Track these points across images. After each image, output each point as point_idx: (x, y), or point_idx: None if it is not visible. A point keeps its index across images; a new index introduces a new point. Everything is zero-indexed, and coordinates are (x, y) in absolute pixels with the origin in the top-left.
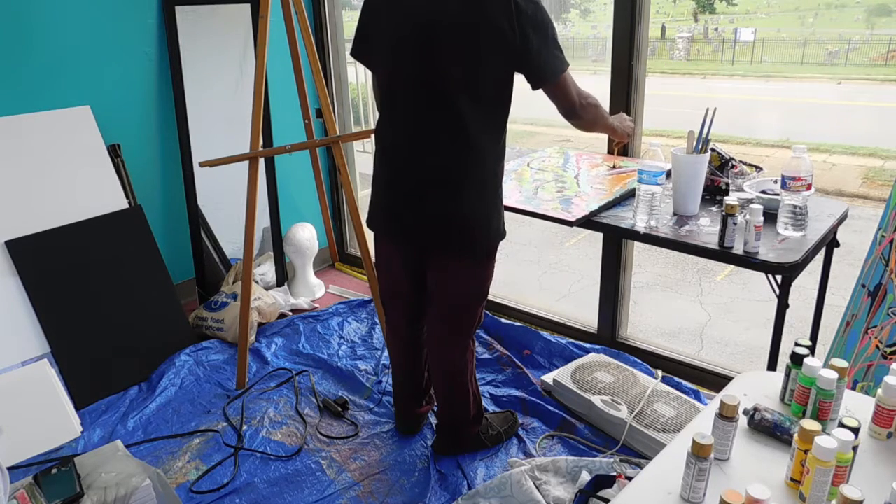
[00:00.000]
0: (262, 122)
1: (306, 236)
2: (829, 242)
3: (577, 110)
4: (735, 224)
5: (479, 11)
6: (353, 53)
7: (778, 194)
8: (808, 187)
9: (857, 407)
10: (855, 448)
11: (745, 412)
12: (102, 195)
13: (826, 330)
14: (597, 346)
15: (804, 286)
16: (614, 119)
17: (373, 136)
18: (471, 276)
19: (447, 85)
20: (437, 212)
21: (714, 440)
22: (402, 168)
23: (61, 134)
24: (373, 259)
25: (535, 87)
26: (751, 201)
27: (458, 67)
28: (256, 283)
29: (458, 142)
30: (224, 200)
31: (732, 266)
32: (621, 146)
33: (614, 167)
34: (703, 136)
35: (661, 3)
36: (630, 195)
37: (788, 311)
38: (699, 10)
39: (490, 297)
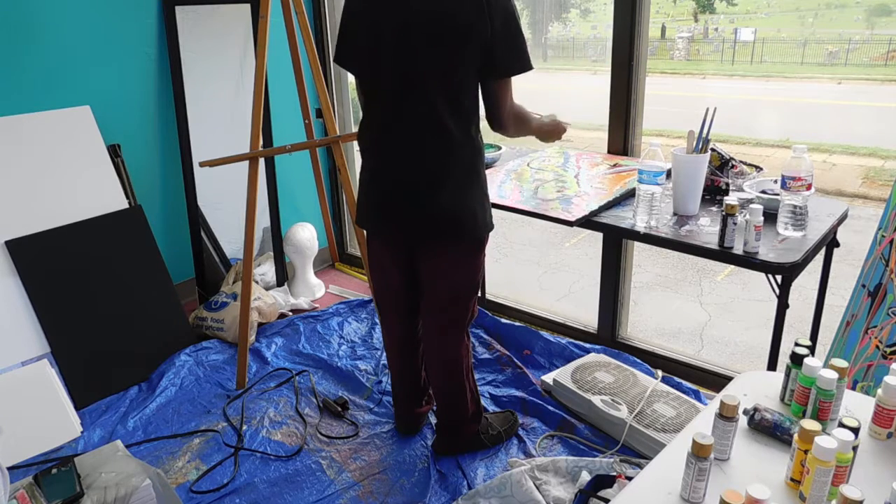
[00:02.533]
0: (262, 122)
1: (306, 236)
2: (829, 242)
3: (506, 116)
4: (735, 224)
5: (452, 8)
6: (335, 59)
7: (778, 194)
8: (808, 187)
9: (857, 407)
10: (855, 448)
11: (745, 412)
12: (102, 195)
13: (826, 330)
14: (597, 346)
15: (804, 286)
16: (542, 122)
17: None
18: (461, 269)
19: (425, 82)
20: (423, 207)
21: (714, 440)
22: (388, 166)
23: (61, 134)
24: None
25: (489, 77)
26: (751, 201)
27: (434, 64)
28: (256, 283)
29: (438, 138)
30: (224, 200)
31: (732, 266)
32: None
33: (614, 166)
34: (703, 136)
35: (661, 3)
36: (630, 195)
37: (788, 311)
38: (699, 10)
39: (490, 297)
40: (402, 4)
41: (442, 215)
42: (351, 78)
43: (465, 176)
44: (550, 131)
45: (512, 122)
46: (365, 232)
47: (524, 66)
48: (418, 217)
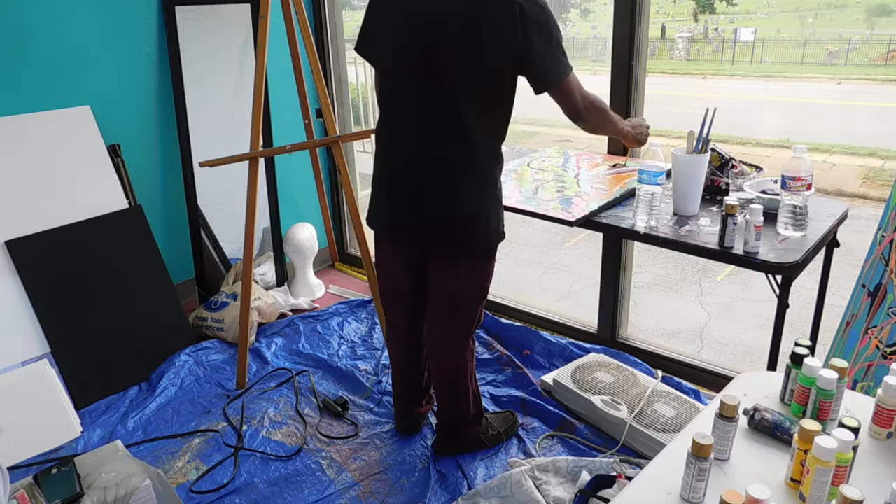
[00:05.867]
0: (262, 122)
1: (306, 236)
2: (829, 242)
3: (581, 114)
4: (735, 224)
5: (481, 13)
6: (357, 50)
7: (778, 194)
8: (808, 187)
9: (857, 407)
10: (855, 448)
11: (745, 412)
12: (102, 195)
13: (826, 330)
14: (597, 346)
15: (804, 286)
16: (627, 124)
17: (373, 135)
18: (470, 276)
19: (449, 86)
20: (436, 212)
21: (714, 440)
22: (403, 168)
23: (61, 134)
24: (373, 258)
25: (537, 92)
26: (751, 201)
27: (459, 69)
28: (256, 283)
29: (458, 143)
30: (224, 200)
31: (732, 266)
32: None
33: (614, 167)
34: (703, 136)
35: (661, 3)
36: (630, 195)
37: (788, 311)
38: (699, 10)
39: (490, 297)
40: (431, 6)
41: (455, 221)
42: (351, 78)
43: (482, 184)
44: (634, 132)
45: (590, 113)
46: (373, 232)
47: (560, 74)
48: (431, 222)
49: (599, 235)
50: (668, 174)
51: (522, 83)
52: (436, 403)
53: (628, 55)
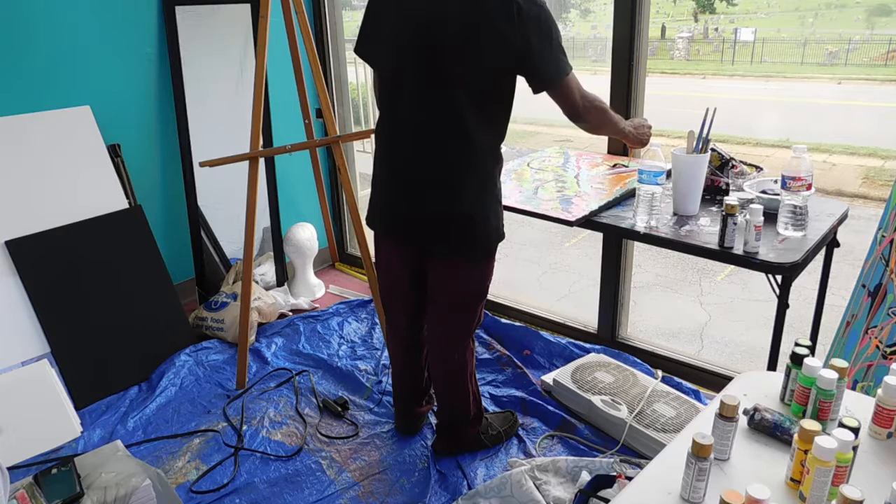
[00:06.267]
0: (262, 122)
1: (306, 236)
2: (830, 242)
3: (580, 114)
4: (735, 224)
5: (480, 13)
6: (356, 51)
7: (778, 194)
8: (808, 187)
9: (857, 407)
10: (855, 448)
11: (745, 412)
12: (102, 195)
13: (826, 330)
14: (597, 346)
15: (804, 286)
16: (628, 124)
17: (373, 135)
18: (470, 276)
19: (448, 86)
20: (436, 211)
21: (714, 440)
22: (403, 167)
23: (61, 134)
24: (373, 258)
25: (536, 91)
26: (751, 201)
27: (458, 69)
28: (256, 283)
29: (458, 142)
30: (224, 200)
31: (732, 266)
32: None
33: (615, 167)
34: (703, 136)
35: (661, 3)
36: (630, 195)
37: (788, 311)
38: (699, 10)
39: (490, 297)
40: (430, 6)
41: (455, 221)
42: (351, 78)
43: (482, 183)
44: (636, 132)
45: (590, 114)
46: (372, 232)
47: (559, 74)
48: (431, 221)
49: (599, 235)
50: (668, 174)
51: (522, 83)
52: (436, 403)
53: (628, 55)
